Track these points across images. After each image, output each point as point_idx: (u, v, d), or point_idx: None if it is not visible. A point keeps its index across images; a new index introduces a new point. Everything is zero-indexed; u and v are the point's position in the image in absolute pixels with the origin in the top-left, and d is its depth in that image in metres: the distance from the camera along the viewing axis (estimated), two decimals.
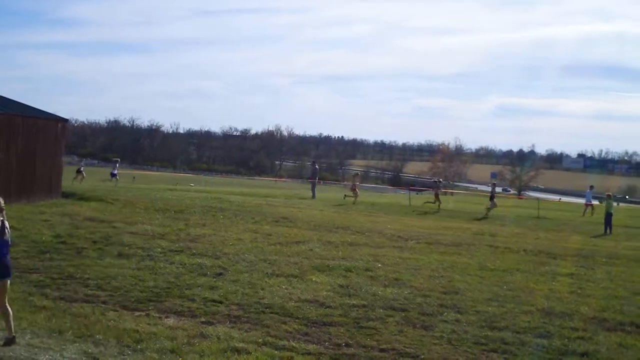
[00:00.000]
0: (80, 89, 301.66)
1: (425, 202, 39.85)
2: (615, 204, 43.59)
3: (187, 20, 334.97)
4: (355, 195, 39.30)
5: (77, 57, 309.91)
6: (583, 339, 11.20)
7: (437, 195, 39.56)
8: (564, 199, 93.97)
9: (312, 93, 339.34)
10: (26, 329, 9.74)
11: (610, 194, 35.45)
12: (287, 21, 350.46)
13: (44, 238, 17.88)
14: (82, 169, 47.44)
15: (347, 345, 10.26)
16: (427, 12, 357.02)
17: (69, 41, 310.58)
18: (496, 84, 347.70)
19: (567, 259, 20.64)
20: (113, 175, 46.20)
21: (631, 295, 15.38)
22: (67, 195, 28.30)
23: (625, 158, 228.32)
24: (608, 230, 31.16)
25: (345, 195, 41.15)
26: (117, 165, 48.43)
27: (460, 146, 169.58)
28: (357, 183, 42.70)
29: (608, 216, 31.82)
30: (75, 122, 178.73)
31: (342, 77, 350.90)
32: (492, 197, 38.33)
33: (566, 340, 11.03)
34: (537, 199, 58.42)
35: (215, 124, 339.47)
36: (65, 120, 29.95)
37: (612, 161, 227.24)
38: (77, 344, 9.37)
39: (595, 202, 46.18)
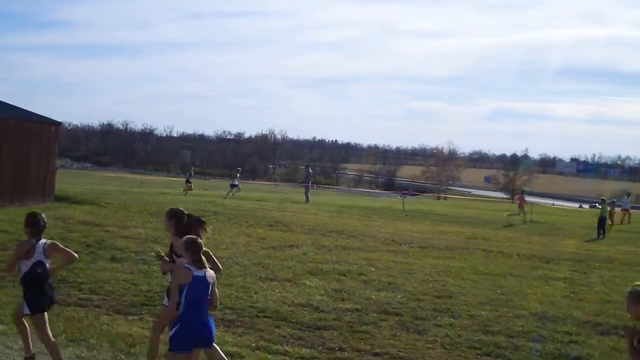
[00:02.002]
0: (73, 92, 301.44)
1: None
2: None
3: (179, 23, 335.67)
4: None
5: (70, 60, 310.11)
6: (577, 343, 11.23)
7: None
8: (557, 203, 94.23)
9: (305, 96, 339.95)
10: (19, 333, 9.70)
11: (605, 198, 35.53)
12: (278, 24, 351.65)
13: None
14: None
15: (341, 349, 10.26)
16: (420, 15, 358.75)
17: (61, 44, 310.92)
18: (489, 88, 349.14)
19: (561, 263, 20.67)
20: (234, 186, 43.62)
21: (624, 299, 15.37)
22: (60, 199, 28.21)
23: (619, 162, 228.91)
24: (601, 235, 31.20)
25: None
26: (239, 175, 45.75)
27: (454, 150, 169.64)
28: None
29: (601, 220, 31.87)
30: (69, 126, 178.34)
31: (334, 80, 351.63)
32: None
33: (560, 344, 11.05)
34: (531, 203, 58.41)
35: (209, 128, 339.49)
36: (59, 124, 29.87)
37: (606, 165, 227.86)
38: (71, 348, 9.36)
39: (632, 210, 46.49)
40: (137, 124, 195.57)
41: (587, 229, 34.53)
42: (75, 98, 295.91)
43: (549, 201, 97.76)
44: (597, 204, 47.27)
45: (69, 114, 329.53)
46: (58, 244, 8.83)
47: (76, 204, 27.36)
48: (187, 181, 47.10)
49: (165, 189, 48.83)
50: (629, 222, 41.55)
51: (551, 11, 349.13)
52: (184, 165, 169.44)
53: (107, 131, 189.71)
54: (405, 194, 39.49)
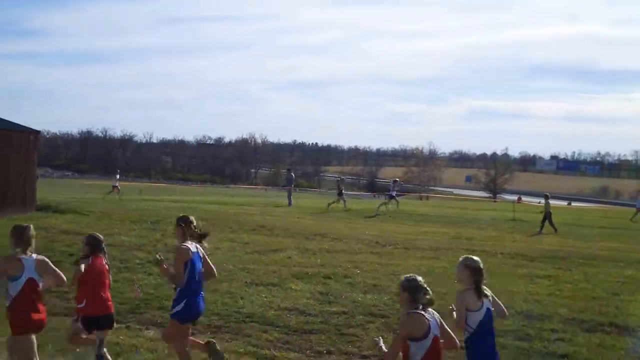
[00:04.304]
0: (51, 100, 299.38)
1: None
2: None
3: (157, 29, 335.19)
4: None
5: (48, 68, 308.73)
6: (563, 340, 11.28)
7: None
8: (530, 200, 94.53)
9: (284, 100, 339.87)
10: (5, 344, 9.63)
11: (547, 194, 35.84)
12: (256, 28, 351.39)
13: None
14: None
15: (329, 352, 10.28)
16: (397, 16, 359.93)
17: (38, 52, 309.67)
18: (468, 88, 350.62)
19: (545, 261, 20.76)
20: (391, 197, 40.53)
21: (609, 296, 15.50)
22: (41, 208, 28.05)
23: (598, 159, 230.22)
24: (552, 229, 31.88)
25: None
26: (395, 186, 43.37)
27: (434, 150, 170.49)
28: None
29: (546, 215, 32.39)
30: (47, 134, 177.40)
31: (313, 83, 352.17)
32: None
33: (546, 342, 11.10)
34: (513, 201, 58.72)
35: (189, 133, 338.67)
36: (37, 132, 29.72)
37: (585, 162, 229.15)
38: (57, 358, 9.31)
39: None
40: (117, 131, 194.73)
41: (570, 226, 34.78)
42: (53, 106, 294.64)
43: (532, 199, 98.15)
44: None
45: (47, 123, 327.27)
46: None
47: (58, 213, 27.21)
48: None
49: (162, 196, 48.71)
50: None
51: (528, 10, 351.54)
52: (164, 172, 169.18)
53: (86, 139, 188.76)
54: (391, 195, 39.04)
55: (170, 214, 28.35)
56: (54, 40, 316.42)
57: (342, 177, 47.77)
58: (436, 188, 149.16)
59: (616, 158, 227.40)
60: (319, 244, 22.01)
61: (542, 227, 31.95)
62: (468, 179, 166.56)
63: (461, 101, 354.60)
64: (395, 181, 42.11)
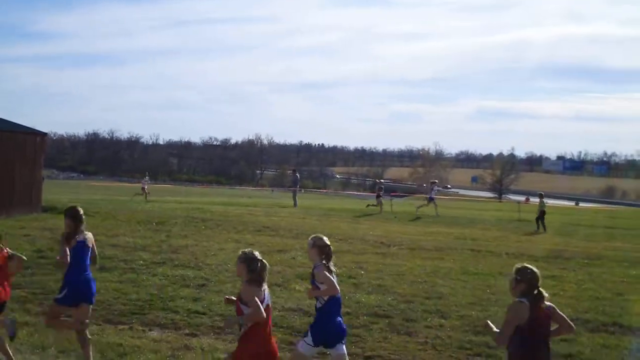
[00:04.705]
0: (58, 102, 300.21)
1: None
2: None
3: (162, 31, 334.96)
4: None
5: (54, 70, 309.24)
6: (566, 340, 11.24)
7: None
8: (536, 200, 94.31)
9: (289, 101, 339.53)
10: (9, 345, 9.66)
11: (542, 193, 35.87)
12: (261, 30, 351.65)
13: (24, 253, 17.65)
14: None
15: None
16: (401, 17, 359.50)
17: (45, 54, 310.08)
18: (474, 88, 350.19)
19: (549, 261, 20.73)
20: (431, 199, 40.14)
21: (613, 296, 15.48)
22: (47, 209, 28.11)
23: (604, 159, 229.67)
24: (542, 228, 32.07)
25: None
26: (434, 188, 41.53)
27: (440, 151, 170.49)
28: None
29: (541, 214, 32.63)
30: (54, 136, 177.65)
31: (316, 84, 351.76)
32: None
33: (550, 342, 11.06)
34: (518, 202, 58.62)
35: (195, 134, 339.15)
36: (44, 134, 29.82)
37: (592, 162, 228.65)
38: (61, 359, 9.32)
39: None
40: (123, 133, 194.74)
41: (575, 226, 34.74)
42: (60, 108, 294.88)
43: (537, 199, 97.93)
44: None
45: (54, 124, 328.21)
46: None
47: (63, 214, 27.20)
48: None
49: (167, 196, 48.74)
50: None
51: (534, 10, 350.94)
52: (171, 173, 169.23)
53: (93, 140, 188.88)
54: (394, 195, 39.09)
55: (176, 214, 28.42)
56: (60, 42, 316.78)
57: (381, 180, 47.48)
58: (442, 189, 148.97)
59: (623, 158, 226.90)
60: None
61: (538, 225, 32.02)
62: (474, 179, 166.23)
63: (467, 101, 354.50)
64: (433, 183, 41.75)
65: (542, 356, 6.84)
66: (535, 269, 6.95)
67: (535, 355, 6.78)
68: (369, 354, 10.26)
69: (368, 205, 40.21)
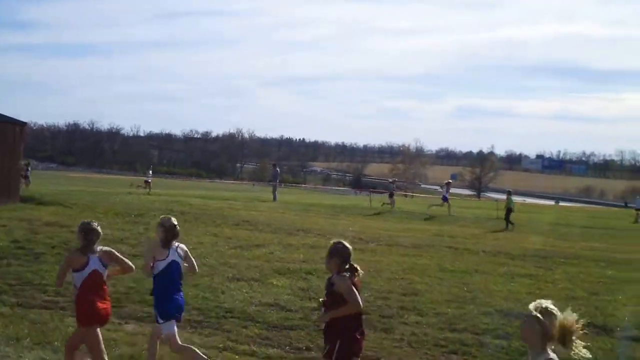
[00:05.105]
0: (38, 92, 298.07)
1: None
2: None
3: (147, 23, 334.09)
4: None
5: (36, 59, 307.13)
6: None
7: None
8: (517, 199, 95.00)
9: (273, 95, 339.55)
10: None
11: (510, 190, 36.18)
12: (248, 23, 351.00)
13: (1, 244, 17.66)
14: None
15: (308, 349, 10.30)
16: (388, 13, 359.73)
17: (27, 43, 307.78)
18: (458, 86, 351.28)
19: (526, 260, 20.87)
20: (444, 199, 40.04)
21: (589, 296, 15.61)
22: (25, 200, 27.96)
23: (583, 158, 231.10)
24: (509, 226, 32.15)
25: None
26: (448, 188, 41.53)
27: (421, 147, 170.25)
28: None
29: (508, 212, 32.81)
30: (34, 125, 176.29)
31: (303, 78, 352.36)
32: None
33: None
34: (496, 200, 58.83)
35: (176, 127, 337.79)
36: (24, 124, 29.61)
37: (570, 162, 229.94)
38: (35, 351, 9.29)
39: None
40: (104, 124, 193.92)
41: (554, 225, 34.97)
42: (40, 98, 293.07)
43: (520, 198, 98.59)
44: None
45: (34, 114, 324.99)
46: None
47: (41, 205, 27.12)
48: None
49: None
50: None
51: (520, 9, 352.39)
52: (151, 165, 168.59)
53: (73, 131, 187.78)
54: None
55: (154, 207, 28.33)
56: (45, 32, 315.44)
57: (394, 179, 47.30)
58: (422, 185, 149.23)
59: (601, 158, 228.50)
60: (302, 240, 22.04)
61: (507, 222, 32.17)
62: (454, 177, 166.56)
63: (450, 99, 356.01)
64: (448, 183, 41.67)
65: (360, 320, 7.44)
66: (347, 244, 7.36)
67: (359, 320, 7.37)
68: None
69: (383, 204, 40.19)
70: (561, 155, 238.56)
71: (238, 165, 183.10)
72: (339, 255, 7.31)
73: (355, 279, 7.46)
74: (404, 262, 18.84)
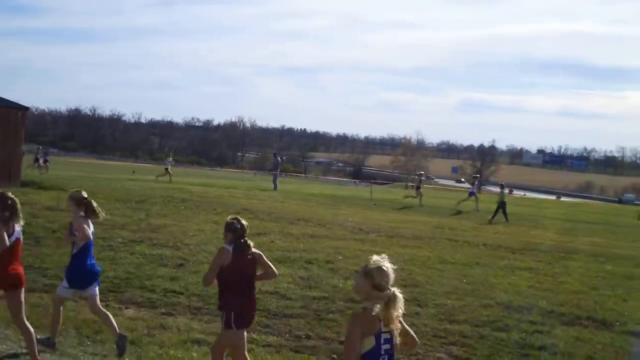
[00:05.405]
0: (41, 77, 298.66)
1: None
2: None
3: (150, 10, 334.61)
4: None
5: (38, 45, 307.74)
6: (541, 332, 11.35)
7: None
8: (519, 193, 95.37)
9: (275, 85, 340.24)
10: None
11: (503, 183, 36.20)
12: (250, 12, 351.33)
13: None
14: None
15: (308, 337, 10.31)
16: (390, 6, 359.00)
17: (29, 28, 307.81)
18: (460, 80, 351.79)
19: (526, 254, 20.88)
20: (472, 193, 39.76)
21: (588, 290, 15.60)
22: (26, 184, 27.97)
23: (584, 154, 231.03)
24: (498, 218, 32.18)
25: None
26: (476, 183, 40.84)
27: (422, 140, 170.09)
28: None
29: (501, 205, 32.78)
30: (36, 110, 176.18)
31: (305, 69, 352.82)
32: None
33: (524, 334, 11.16)
34: (497, 193, 58.84)
35: (178, 115, 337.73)
36: (26, 109, 29.59)
37: (571, 157, 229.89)
38: (35, 335, 9.28)
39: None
40: (105, 110, 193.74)
41: (554, 219, 34.98)
42: (42, 83, 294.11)
43: (520, 192, 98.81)
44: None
45: (36, 99, 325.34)
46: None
47: (42, 189, 27.14)
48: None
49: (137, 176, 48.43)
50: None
51: (522, 5, 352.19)
52: (151, 152, 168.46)
53: (75, 117, 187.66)
54: (373, 182, 38.86)
55: (155, 194, 28.33)
56: (46, 17, 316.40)
57: (422, 172, 46.89)
58: (435, 180, 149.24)
59: (602, 154, 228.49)
60: (303, 229, 22.04)
61: (494, 215, 32.22)
62: (454, 170, 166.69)
63: (453, 93, 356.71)
64: (475, 177, 41.48)
65: (247, 293, 7.85)
66: (243, 221, 7.84)
67: (241, 292, 7.74)
68: (344, 339, 10.27)
69: (406, 197, 40.08)
70: (562, 150, 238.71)
71: (239, 154, 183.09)
72: (231, 231, 7.79)
73: (254, 253, 7.91)
74: (405, 253, 18.83)
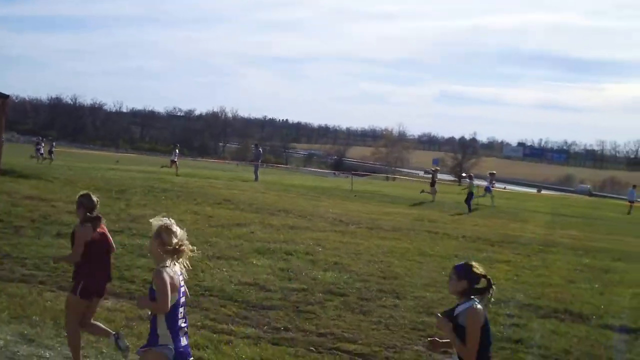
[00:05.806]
0: (21, 65, 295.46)
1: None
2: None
3: None
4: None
5: (19, 33, 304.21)
6: (518, 325, 11.43)
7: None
8: (500, 185, 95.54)
9: (257, 75, 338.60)
10: None
11: (472, 174, 36.46)
12: (234, 2, 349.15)
13: None
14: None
15: (286, 329, 10.33)
16: None
17: (8, 15, 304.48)
18: (441, 71, 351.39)
19: (504, 246, 20.97)
20: (488, 189, 38.92)
21: (566, 283, 15.71)
22: (5, 173, 27.80)
23: (564, 147, 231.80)
24: (471, 209, 32.49)
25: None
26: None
27: (404, 132, 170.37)
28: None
29: (469, 196, 33.19)
30: (16, 99, 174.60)
31: (287, 59, 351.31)
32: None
33: (501, 327, 11.22)
34: (477, 186, 58.99)
35: (159, 104, 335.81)
36: (6, 97, 29.40)
37: (551, 150, 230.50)
38: (13, 325, 9.28)
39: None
40: (87, 99, 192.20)
41: (533, 212, 35.18)
42: (23, 71, 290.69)
43: (501, 185, 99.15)
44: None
45: (16, 87, 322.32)
46: None
47: (22, 178, 26.98)
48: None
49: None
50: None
51: None
52: (132, 142, 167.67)
53: (55, 105, 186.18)
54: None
55: (136, 184, 28.26)
56: (28, 4, 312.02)
57: (436, 168, 46.42)
58: (403, 169, 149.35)
59: (582, 147, 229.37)
60: (283, 220, 22.06)
61: (469, 208, 32.58)
62: (435, 161, 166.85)
63: (434, 84, 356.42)
64: (492, 174, 41.38)
65: (103, 267, 8.50)
66: (92, 196, 8.41)
67: (98, 264, 8.31)
68: (323, 331, 10.31)
69: (422, 191, 40.01)
70: (542, 143, 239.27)
71: (220, 144, 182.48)
72: (83, 206, 8.28)
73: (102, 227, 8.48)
74: (384, 245, 18.89)
